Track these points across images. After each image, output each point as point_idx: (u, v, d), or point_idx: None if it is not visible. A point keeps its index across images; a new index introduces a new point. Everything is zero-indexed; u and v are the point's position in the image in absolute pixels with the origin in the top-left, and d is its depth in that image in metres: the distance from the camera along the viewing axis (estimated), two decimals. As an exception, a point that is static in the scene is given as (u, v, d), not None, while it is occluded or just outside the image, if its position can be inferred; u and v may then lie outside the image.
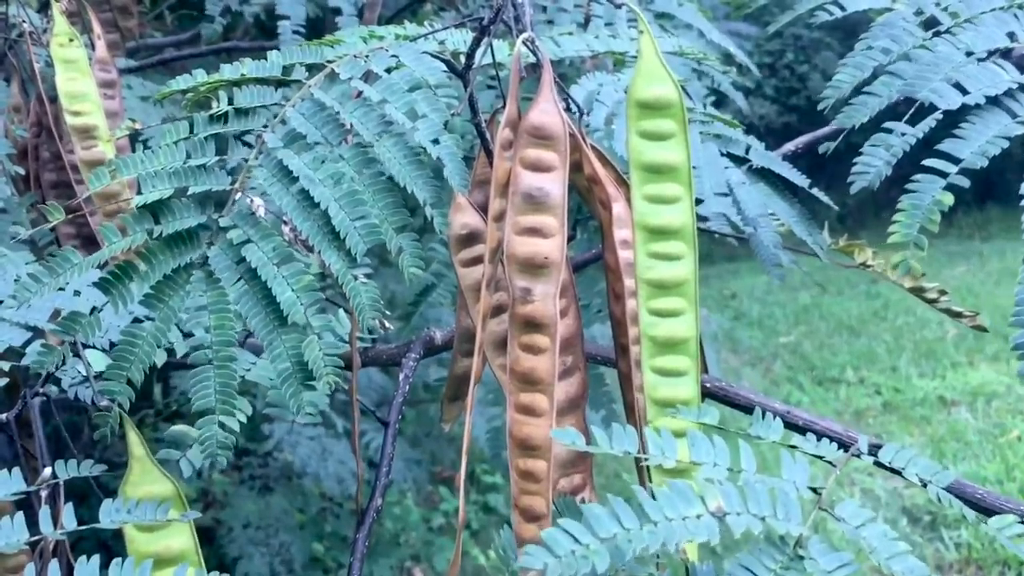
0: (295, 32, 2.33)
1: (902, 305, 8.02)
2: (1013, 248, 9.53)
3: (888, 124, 1.23)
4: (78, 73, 1.97)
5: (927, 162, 1.18)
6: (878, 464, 1.11)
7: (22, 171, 2.06)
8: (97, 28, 2.12)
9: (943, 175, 1.18)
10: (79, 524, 1.03)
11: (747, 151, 1.60)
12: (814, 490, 0.99)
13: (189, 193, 1.08)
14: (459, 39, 1.49)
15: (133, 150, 1.96)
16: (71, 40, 1.95)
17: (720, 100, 2.30)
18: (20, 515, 1.01)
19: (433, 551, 5.18)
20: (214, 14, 2.48)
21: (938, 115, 1.21)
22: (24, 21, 2.14)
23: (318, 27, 2.73)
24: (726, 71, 2.08)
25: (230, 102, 1.14)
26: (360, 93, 1.16)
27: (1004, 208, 10.62)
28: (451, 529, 5.40)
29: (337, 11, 2.43)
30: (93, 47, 2.07)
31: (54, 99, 2.03)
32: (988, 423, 5.87)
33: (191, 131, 1.13)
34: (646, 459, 1.02)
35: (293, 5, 2.37)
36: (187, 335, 1.25)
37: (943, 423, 5.91)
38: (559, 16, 2.08)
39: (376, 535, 4.89)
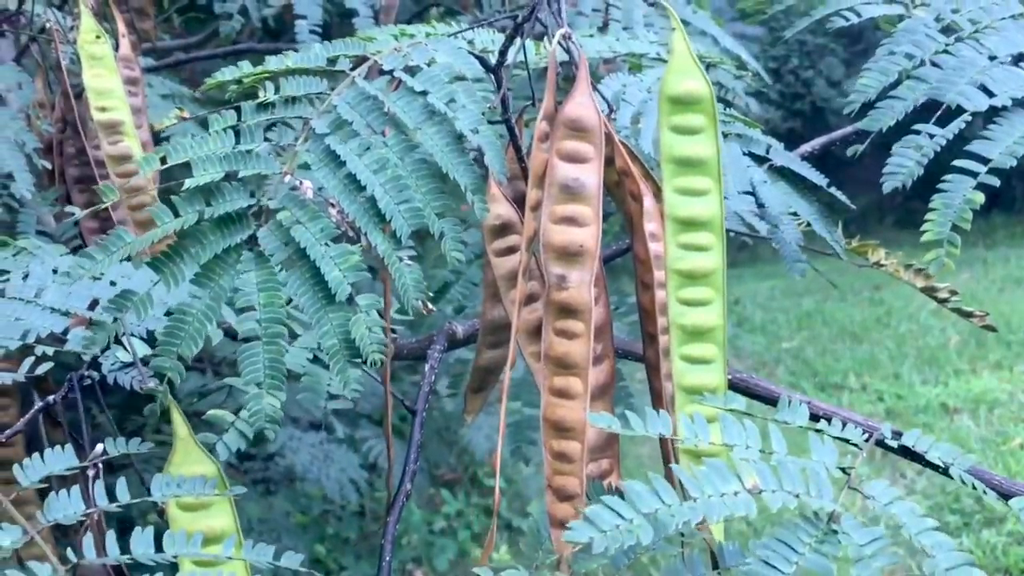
0: (311, 32, 2.36)
1: (905, 312, 8.05)
2: (1017, 255, 9.58)
3: (917, 126, 1.27)
4: (104, 69, 2.00)
5: (957, 162, 1.22)
6: (902, 449, 1.14)
7: (48, 165, 2.09)
8: (122, 26, 2.15)
9: (973, 175, 1.22)
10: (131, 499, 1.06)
11: (768, 151, 1.63)
12: (843, 470, 1.03)
13: (239, 176, 1.11)
14: (486, 38, 1.53)
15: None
16: (98, 37, 1.98)
17: (728, 106, 2.33)
18: (76, 488, 1.05)
19: (434, 552, 5.20)
20: (232, 11, 2.51)
21: (967, 116, 1.25)
22: (49, 20, 2.18)
23: (326, 31, 2.76)
24: (739, 76, 2.12)
25: (276, 91, 1.18)
26: (399, 83, 1.20)
27: (1008, 215, 10.67)
28: (452, 532, 5.41)
29: (353, 13, 2.46)
30: (117, 45, 2.10)
31: (78, 95, 2.06)
32: (990, 431, 5.90)
33: (239, 118, 1.16)
34: (681, 441, 1.05)
35: (310, 5, 2.41)
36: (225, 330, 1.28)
37: (945, 430, 5.94)
38: (577, 20, 2.12)
39: (377, 536, 4.90)
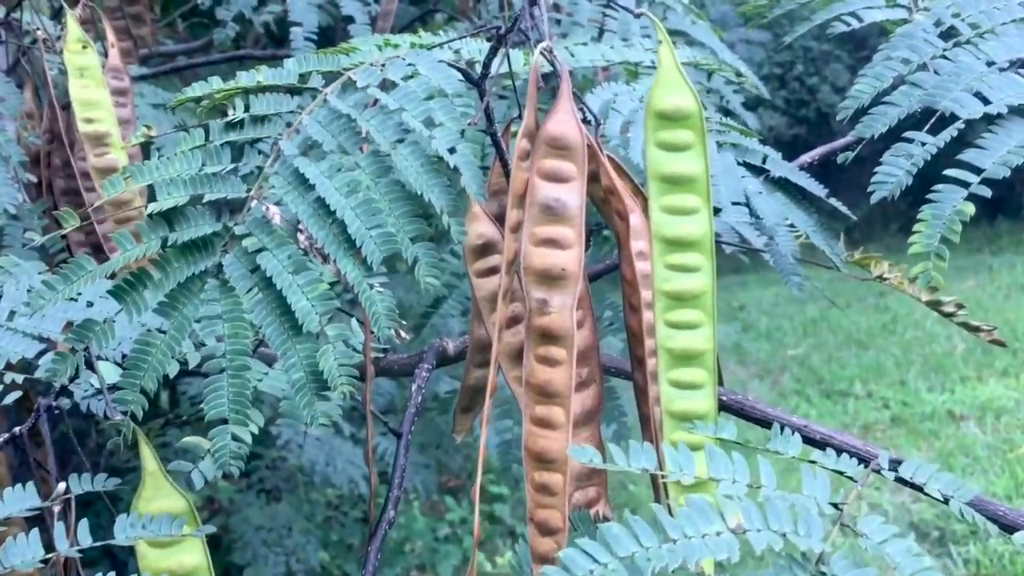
0: (307, 39, 2.32)
1: (911, 319, 7.99)
2: (1023, 262, 9.51)
3: (908, 134, 1.22)
4: (91, 80, 1.97)
5: (948, 172, 1.17)
6: (899, 480, 1.10)
7: (34, 178, 2.06)
8: (111, 36, 2.12)
9: (965, 185, 1.17)
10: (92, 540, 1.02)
11: (764, 161, 1.59)
12: (835, 506, 0.98)
13: (204, 200, 1.07)
14: (474, 48, 1.49)
15: (146, 158, 1.96)
16: (84, 47, 1.95)
17: (726, 115, 2.28)
18: (35, 532, 1.01)
19: (438, 559, 5.17)
20: (226, 19, 2.48)
21: (960, 124, 1.20)
22: (38, 28, 2.14)
23: (328, 36, 2.73)
24: (738, 84, 2.07)
25: (246, 109, 1.14)
26: (376, 101, 1.15)
27: (1014, 222, 10.61)
28: (456, 538, 5.38)
29: (350, 20, 2.42)
30: (106, 55, 2.07)
31: (66, 106, 2.03)
32: (997, 438, 5.84)
33: (206, 138, 1.12)
34: (664, 476, 1.00)
35: (306, 12, 2.37)
36: (200, 345, 1.24)
37: (952, 437, 5.89)
38: (573, 29, 2.08)
39: (381, 541, 4.87)
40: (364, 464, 4.36)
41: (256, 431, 1.14)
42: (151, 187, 1.09)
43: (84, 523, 1.04)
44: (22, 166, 1.99)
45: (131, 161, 1.98)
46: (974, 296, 8.24)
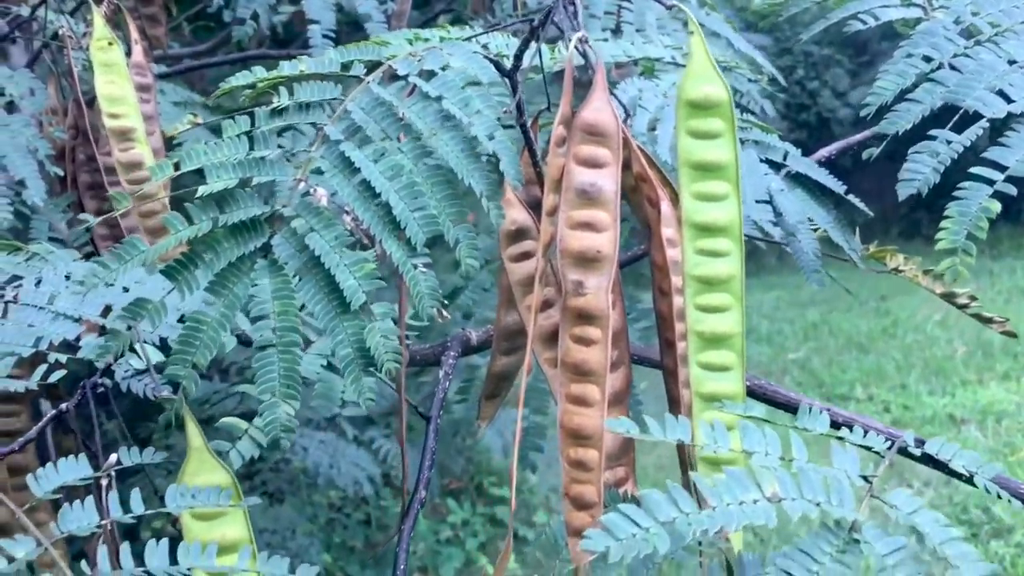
0: (325, 36, 2.35)
1: (911, 323, 8.03)
2: (1023, 266, 9.55)
3: (934, 132, 1.25)
4: (116, 76, 1.99)
5: (974, 170, 1.20)
6: (925, 457, 1.13)
7: (60, 172, 2.09)
8: (134, 33, 2.15)
9: (990, 183, 1.20)
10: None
11: (785, 157, 1.62)
12: (865, 478, 1.01)
13: (253, 183, 1.10)
14: (500, 43, 1.52)
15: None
16: (110, 44, 1.98)
17: (744, 112, 2.31)
18: (90, 499, 1.04)
19: (440, 561, 5.18)
20: (245, 16, 2.51)
21: (984, 123, 1.23)
22: (62, 26, 2.17)
23: (336, 39, 2.76)
24: (755, 79, 2.10)
25: (291, 96, 1.17)
26: (414, 89, 1.19)
27: (1015, 227, 10.64)
28: (458, 541, 5.40)
29: (365, 19, 2.45)
30: (130, 52, 2.10)
31: (90, 102, 2.06)
32: (998, 442, 5.87)
33: (253, 124, 1.15)
34: (700, 447, 1.04)
35: (323, 10, 2.40)
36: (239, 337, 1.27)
37: (953, 441, 5.89)
38: (590, 23, 2.10)
39: (383, 545, 4.89)
40: (367, 466, 4.39)
41: (294, 411, 1.17)
42: (196, 172, 1.12)
43: (136, 492, 1.07)
44: (49, 160, 2.02)
45: (156, 157, 2.01)
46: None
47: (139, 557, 1.02)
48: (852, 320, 8.54)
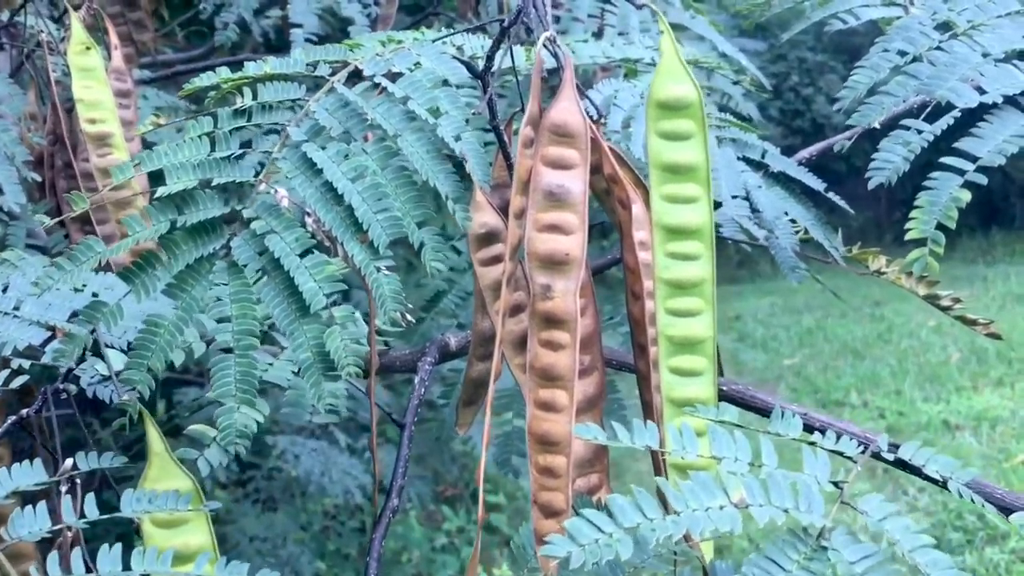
0: (307, 40, 2.35)
1: (906, 328, 8.02)
2: (1017, 272, 9.55)
3: (906, 121, 1.24)
4: (94, 81, 1.98)
5: (945, 160, 1.19)
6: (898, 463, 1.11)
7: (38, 178, 2.07)
8: (114, 38, 2.14)
9: (960, 172, 1.18)
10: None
11: (763, 155, 1.60)
12: (835, 484, 0.99)
13: (213, 184, 1.08)
14: (476, 44, 1.50)
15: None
16: (88, 48, 1.96)
17: (724, 111, 2.30)
18: (42, 504, 1.02)
19: (435, 569, 5.16)
20: (228, 21, 2.51)
21: (956, 113, 1.22)
22: (42, 31, 2.16)
23: (325, 43, 2.75)
24: (737, 80, 2.09)
25: (254, 97, 1.15)
26: (383, 90, 1.17)
27: (1008, 233, 10.66)
28: (454, 548, 5.38)
29: (350, 21, 2.45)
30: (109, 57, 2.09)
31: (69, 108, 2.05)
32: (992, 448, 5.86)
33: (215, 125, 1.14)
34: (667, 454, 1.02)
35: (306, 14, 2.40)
36: (208, 341, 1.25)
37: (947, 447, 5.91)
38: (573, 26, 2.09)
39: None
40: (359, 475, 4.37)
41: (262, 419, 1.16)
42: (159, 173, 1.10)
43: (91, 497, 1.05)
44: (27, 165, 2.01)
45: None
46: (969, 307, 8.22)
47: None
48: (847, 326, 8.53)
